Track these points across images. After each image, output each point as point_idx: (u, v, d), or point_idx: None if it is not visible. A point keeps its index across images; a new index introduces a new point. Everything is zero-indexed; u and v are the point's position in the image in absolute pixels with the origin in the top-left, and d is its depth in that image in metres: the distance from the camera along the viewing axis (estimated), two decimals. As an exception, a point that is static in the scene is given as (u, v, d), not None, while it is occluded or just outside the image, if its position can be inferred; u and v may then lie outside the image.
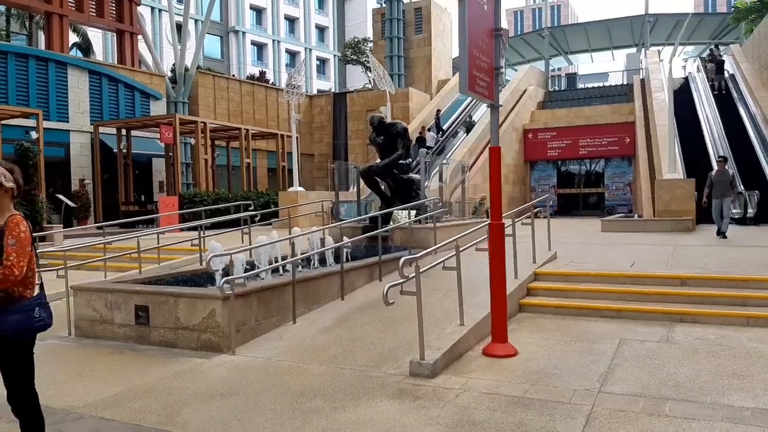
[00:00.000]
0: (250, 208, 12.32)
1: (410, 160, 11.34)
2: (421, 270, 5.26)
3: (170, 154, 24.70)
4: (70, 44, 29.94)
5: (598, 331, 6.40)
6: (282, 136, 27.61)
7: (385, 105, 23.13)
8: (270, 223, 18.07)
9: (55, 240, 13.93)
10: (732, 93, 25.87)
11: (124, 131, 23.99)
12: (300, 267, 8.23)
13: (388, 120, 11.38)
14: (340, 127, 35.43)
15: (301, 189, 22.23)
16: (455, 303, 6.43)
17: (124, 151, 23.93)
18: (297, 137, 22.18)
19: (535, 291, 7.72)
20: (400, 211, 10.57)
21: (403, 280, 5.15)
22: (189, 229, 13.40)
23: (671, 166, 16.38)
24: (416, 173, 12.26)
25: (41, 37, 32.37)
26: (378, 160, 12.77)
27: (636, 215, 18.08)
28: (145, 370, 5.66)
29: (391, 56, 33.22)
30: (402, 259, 5.24)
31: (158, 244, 11.22)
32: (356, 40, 41.21)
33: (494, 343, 5.61)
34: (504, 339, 5.61)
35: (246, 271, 7.45)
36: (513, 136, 28.50)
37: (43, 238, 13.50)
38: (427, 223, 10.30)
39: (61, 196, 17.75)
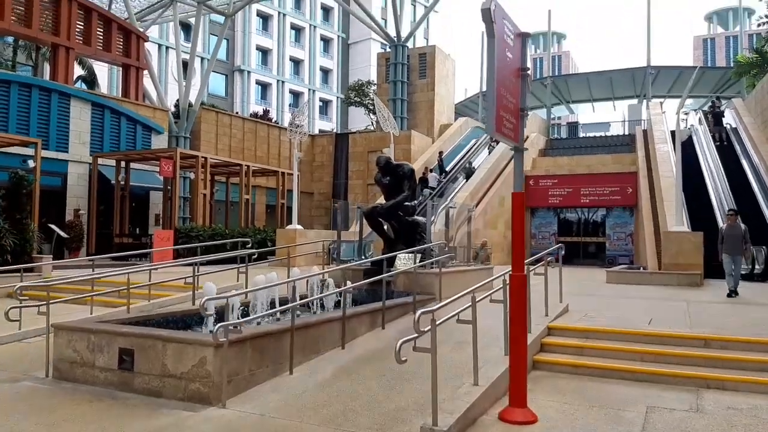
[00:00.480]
0: (247, 246, 11.87)
1: (416, 202, 10.99)
2: (437, 322, 4.80)
3: (169, 187, 24.39)
4: (75, 77, 30.01)
5: (621, 395, 5.91)
6: (283, 173, 27.38)
7: (389, 146, 22.92)
8: (267, 261, 17.64)
9: (44, 271, 13.42)
10: (735, 146, 25.84)
11: (123, 163, 23.75)
12: (298, 311, 7.77)
13: (394, 161, 11.04)
14: (340, 167, 35.31)
15: (299, 227, 21.84)
16: (465, 357, 5.96)
17: (122, 182, 23.61)
18: (298, 175, 21.89)
19: (550, 347, 7.23)
20: (403, 255, 10.14)
21: (416, 335, 4.69)
22: (184, 264, 12.88)
23: (678, 218, 16.06)
24: (420, 215, 11.86)
25: (47, 68, 32.44)
26: (381, 200, 12.41)
27: (641, 267, 17.67)
28: (125, 424, 5.12)
29: (394, 99, 33.33)
30: (418, 313, 4.78)
31: (150, 280, 10.74)
32: (360, 82, 41.52)
33: (512, 407, 5.10)
34: (523, 403, 5.11)
35: (242, 314, 6.97)
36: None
37: (30, 269, 12.98)
38: (432, 268, 9.86)
39: (53, 226, 17.29)
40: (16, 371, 6.53)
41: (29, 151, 19.13)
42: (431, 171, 26.60)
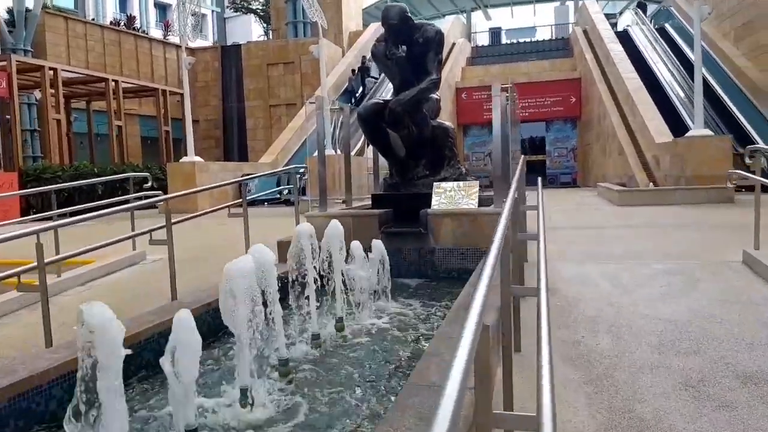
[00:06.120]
0: (146, 185, 6.94)
1: (439, 95, 6.54)
2: None
3: (7, 116, 17.89)
4: None
5: None
6: (164, 92, 21.38)
7: (314, 48, 17.88)
8: (154, 207, 12.62)
9: None
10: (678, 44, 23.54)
11: (-70, 82, 16.79)
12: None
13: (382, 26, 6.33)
14: (231, 86, 29.47)
15: (198, 159, 16.64)
16: None
17: (-69, 109, 16.79)
18: (188, 92, 16.34)
19: None
20: (441, 185, 5.79)
21: None
22: (36, 220, 7.61)
23: (698, 120, 12.96)
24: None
25: None
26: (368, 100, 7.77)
27: (646, 185, 14.59)
28: None
29: (294, 0, 27.67)
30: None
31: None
32: (247, -18, 34.78)
33: None
34: None
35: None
36: (447, 95, 24.39)
37: None
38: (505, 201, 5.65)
39: None
40: None
41: None
42: (370, 60, 21.97)
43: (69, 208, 6.12)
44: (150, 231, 4.49)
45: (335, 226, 3.97)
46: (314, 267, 3.77)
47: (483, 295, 1.21)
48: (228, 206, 5.53)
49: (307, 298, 3.76)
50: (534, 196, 5.53)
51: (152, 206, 6.98)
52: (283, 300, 3.65)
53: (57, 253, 5.46)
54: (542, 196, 4.10)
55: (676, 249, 6.06)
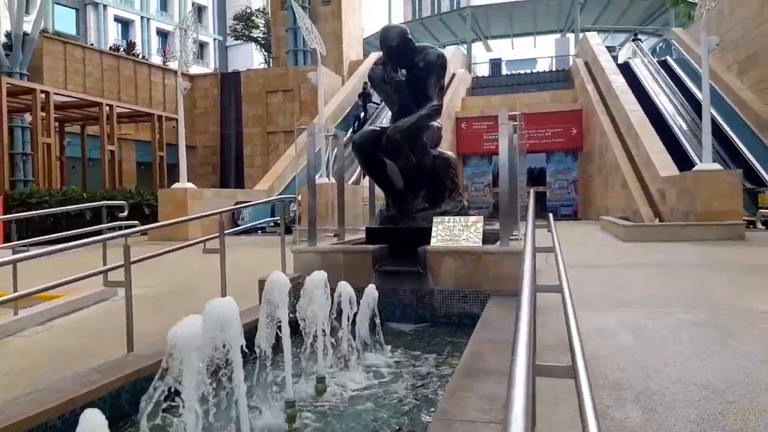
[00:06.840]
0: (121, 214, 6.45)
1: (440, 122, 6.07)
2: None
3: (-3, 139, 17.50)
4: None
5: None
6: (159, 117, 21.04)
7: (312, 74, 17.56)
8: (143, 234, 12.24)
9: None
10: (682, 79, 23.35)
11: None
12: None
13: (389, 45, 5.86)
14: (229, 113, 29.19)
15: (190, 185, 16.15)
16: None
17: None
18: (183, 117, 15.94)
19: None
20: (442, 220, 5.28)
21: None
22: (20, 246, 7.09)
23: (707, 154, 12.53)
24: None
25: None
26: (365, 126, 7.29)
27: (651, 220, 14.10)
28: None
29: (294, 28, 27.57)
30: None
31: None
32: (248, 11, 34.74)
33: None
34: None
35: None
36: (447, 125, 24.09)
37: None
38: (513, 238, 5.12)
39: None
40: None
41: None
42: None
43: (32, 239, 5.60)
44: (107, 270, 3.97)
45: (317, 278, 3.45)
46: (288, 327, 3.23)
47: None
48: (204, 241, 5.03)
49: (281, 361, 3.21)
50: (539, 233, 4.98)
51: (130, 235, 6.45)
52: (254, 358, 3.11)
53: (15, 288, 4.95)
54: (557, 237, 3.59)
55: (697, 293, 5.53)
